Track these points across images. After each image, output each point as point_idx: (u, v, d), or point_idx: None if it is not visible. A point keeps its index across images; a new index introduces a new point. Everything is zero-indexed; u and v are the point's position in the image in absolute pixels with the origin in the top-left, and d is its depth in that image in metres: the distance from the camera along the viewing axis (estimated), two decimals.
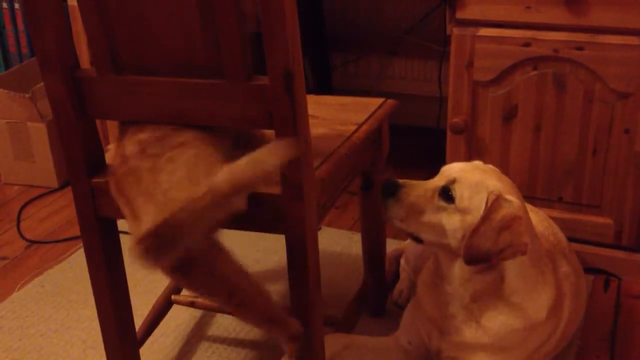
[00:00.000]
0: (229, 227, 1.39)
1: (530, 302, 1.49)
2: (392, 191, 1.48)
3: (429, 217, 1.46)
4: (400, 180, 1.50)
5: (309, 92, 1.37)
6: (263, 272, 2.17)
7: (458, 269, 1.46)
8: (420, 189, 1.48)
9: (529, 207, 1.78)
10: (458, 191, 1.43)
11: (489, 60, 1.96)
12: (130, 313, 1.57)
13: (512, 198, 1.42)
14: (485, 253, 1.38)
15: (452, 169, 1.50)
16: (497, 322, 1.48)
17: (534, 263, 1.49)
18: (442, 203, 1.44)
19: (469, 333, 1.50)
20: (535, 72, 1.93)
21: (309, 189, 1.28)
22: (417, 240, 1.50)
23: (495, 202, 1.40)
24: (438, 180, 1.49)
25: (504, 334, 1.49)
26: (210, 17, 1.19)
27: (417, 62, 2.99)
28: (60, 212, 2.57)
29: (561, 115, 1.94)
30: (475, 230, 1.39)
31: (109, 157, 1.44)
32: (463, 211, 1.42)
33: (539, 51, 1.90)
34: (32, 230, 2.47)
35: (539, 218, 1.74)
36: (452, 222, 1.43)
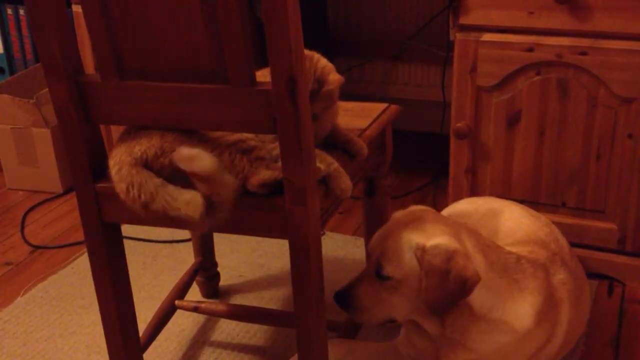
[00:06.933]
0: (233, 232, 1.40)
1: (512, 313, 1.48)
2: (346, 304, 1.49)
3: (388, 300, 1.46)
4: (345, 286, 1.50)
5: None
6: (266, 276, 2.17)
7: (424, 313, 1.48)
8: (363, 285, 1.48)
9: (530, 212, 1.78)
10: (387, 268, 1.43)
11: (492, 66, 1.96)
12: (134, 318, 1.57)
13: (436, 240, 1.41)
14: (448, 301, 1.40)
15: (373, 245, 1.49)
16: (483, 341, 1.48)
17: (501, 274, 1.48)
18: (386, 283, 1.45)
19: (462, 355, 1.50)
20: (538, 77, 1.93)
21: (312, 193, 1.28)
22: (392, 321, 1.50)
23: (424, 257, 1.40)
24: (369, 265, 1.49)
25: (493, 350, 1.48)
26: (214, 22, 1.19)
27: (421, 68, 3.00)
28: (65, 217, 2.57)
29: (565, 121, 1.94)
30: (426, 289, 1.40)
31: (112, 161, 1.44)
32: (403, 279, 1.43)
33: (542, 56, 1.90)
34: (36, 236, 2.47)
35: (540, 224, 1.74)
36: (403, 293, 1.44)
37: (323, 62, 1.43)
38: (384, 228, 1.51)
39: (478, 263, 1.43)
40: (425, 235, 1.43)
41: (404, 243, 1.43)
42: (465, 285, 1.39)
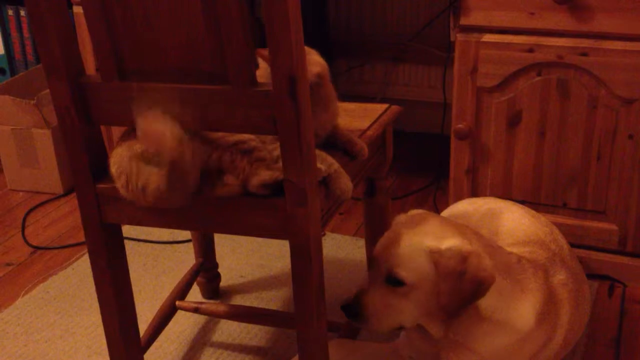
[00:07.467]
0: (234, 233, 1.40)
1: (515, 314, 1.48)
2: (355, 314, 1.47)
3: (398, 307, 1.44)
4: (352, 296, 1.48)
5: None
6: (267, 277, 2.17)
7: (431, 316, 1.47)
8: (371, 293, 1.46)
9: (530, 212, 1.78)
10: (401, 273, 1.42)
11: (493, 66, 1.96)
12: (134, 319, 1.57)
13: (449, 242, 1.41)
14: (462, 303, 1.40)
15: (379, 251, 1.47)
16: (486, 343, 1.47)
17: (504, 275, 1.47)
18: (397, 289, 1.43)
19: (463, 357, 1.49)
20: (539, 78, 1.93)
21: (312, 194, 1.28)
22: (401, 328, 1.49)
23: (440, 260, 1.39)
24: (377, 272, 1.46)
25: (495, 351, 1.48)
26: (214, 23, 1.19)
27: (422, 68, 3.00)
28: (65, 218, 2.58)
29: (565, 121, 1.94)
30: (442, 292, 1.39)
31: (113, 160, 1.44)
32: (418, 284, 1.42)
33: (543, 57, 1.90)
34: (37, 237, 2.47)
35: (540, 224, 1.73)
36: (415, 297, 1.43)
37: (315, 58, 1.42)
38: (388, 233, 1.49)
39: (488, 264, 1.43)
40: (437, 238, 1.42)
41: (416, 247, 1.42)
42: (480, 287, 1.38)
